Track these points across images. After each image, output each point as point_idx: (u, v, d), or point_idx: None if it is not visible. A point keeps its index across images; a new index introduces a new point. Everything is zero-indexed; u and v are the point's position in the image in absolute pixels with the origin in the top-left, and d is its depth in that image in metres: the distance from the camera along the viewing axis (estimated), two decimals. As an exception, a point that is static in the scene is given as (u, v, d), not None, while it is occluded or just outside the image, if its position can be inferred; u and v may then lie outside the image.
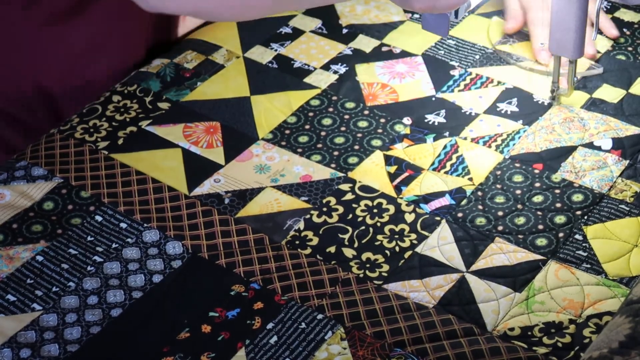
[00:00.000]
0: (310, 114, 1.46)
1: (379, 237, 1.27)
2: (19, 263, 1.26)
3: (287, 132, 1.43)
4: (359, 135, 1.42)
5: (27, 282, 1.23)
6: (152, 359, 1.15)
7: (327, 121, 1.45)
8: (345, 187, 1.34)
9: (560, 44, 1.39)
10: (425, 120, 1.44)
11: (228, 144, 1.41)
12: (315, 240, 1.27)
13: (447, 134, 1.41)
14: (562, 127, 1.41)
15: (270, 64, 1.55)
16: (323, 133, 1.42)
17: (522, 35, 1.57)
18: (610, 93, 1.47)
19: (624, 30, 1.58)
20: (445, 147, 1.39)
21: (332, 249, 1.26)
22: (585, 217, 1.28)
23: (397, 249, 1.26)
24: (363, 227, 1.29)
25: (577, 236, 1.26)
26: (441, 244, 1.26)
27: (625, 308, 1.08)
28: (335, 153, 1.39)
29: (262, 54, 1.56)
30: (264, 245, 1.27)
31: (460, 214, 1.29)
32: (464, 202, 1.31)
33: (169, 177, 1.37)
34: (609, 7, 1.62)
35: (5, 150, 1.51)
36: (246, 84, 1.51)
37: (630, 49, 1.54)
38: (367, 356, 1.13)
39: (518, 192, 1.32)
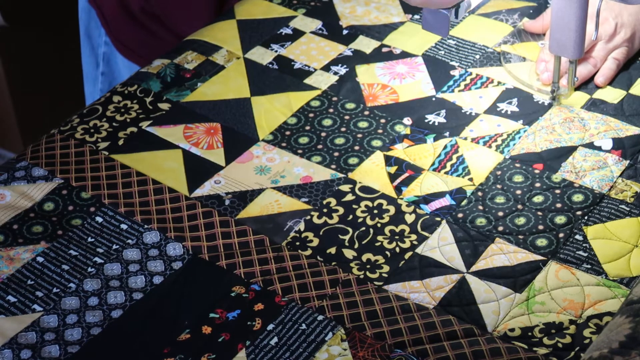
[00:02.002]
0: (311, 114, 1.46)
1: (379, 238, 1.27)
2: (20, 264, 1.26)
3: (288, 133, 1.43)
4: (359, 135, 1.42)
5: (28, 283, 1.24)
6: (152, 360, 1.15)
7: (327, 122, 1.45)
8: (345, 188, 1.34)
9: (560, 44, 1.39)
10: (426, 121, 1.44)
11: (228, 145, 1.41)
12: (315, 242, 1.27)
13: (447, 134, 1.41)
14: (563, 127, 1.41)
15: (270, 65, 1.55)
16: (323, 134, 1.42)
17: (523, 35, 1.57)
18: (610, 93, 1.47)
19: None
20: (445, 147, 1.39)
21: (333, 250, 1.26)
22: (586, 218, 1.28)
23: (397, 249, 1.26)
24: (363, 228, 1.29)
25: (577, 236, 1.26)
26: (441, 245, 1.26)
27: (625, 308, 1.08)
28: (336, 154, 1.39)
29: (262, 55, 1.56)
30: (265, 246, 1.27)
31: (460, 215, 1.29)
32: (464, 202, 1.31)
33: (170, 178, 1.37)
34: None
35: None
36: (246, 85, 1.51)
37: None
38: (368, 357, 1.13)
39: (518, 192, 1.32)
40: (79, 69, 1.98)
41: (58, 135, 1.43)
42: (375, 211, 1.31)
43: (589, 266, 1.22)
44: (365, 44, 1.58)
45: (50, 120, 1.87)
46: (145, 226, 1.30)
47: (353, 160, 1.38)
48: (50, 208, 1.33)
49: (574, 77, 1.44)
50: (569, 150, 1.37)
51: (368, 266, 1.24)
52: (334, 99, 1.48)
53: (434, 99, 1.47)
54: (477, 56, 1.54)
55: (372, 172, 1.36)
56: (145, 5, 1.77)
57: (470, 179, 1.34)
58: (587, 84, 1.49)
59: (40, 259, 1.26)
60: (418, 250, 1.26)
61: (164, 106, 1.48)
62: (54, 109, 2.46)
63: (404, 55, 1.55)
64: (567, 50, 1.39)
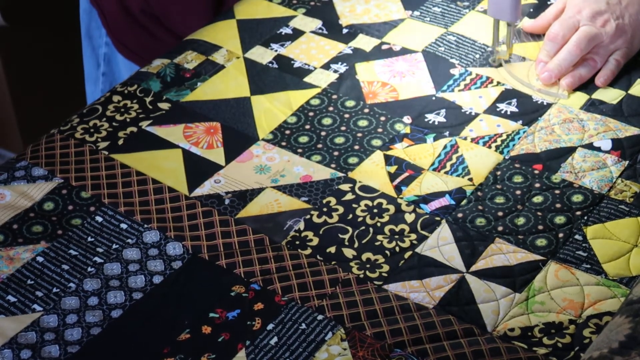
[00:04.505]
0: (311, 113, 1.46)
1: (379, 237, 1.27)
2: (20, 264, 1.26)
3: (287, 132, 1.43)
4: (359, 135, 1.42)
5: (28, 283, 1.24)
6: (152, 360, 1.15)
7: (327, 121, 1.45)
8: (345, 187, 1.34)
9: (498, 8, 1.47)
10: (425, 120, 1.44)
11: (228, 144, 1.41)
12: (315, 241, 1.27)
13: (447, 133, 1.41)
14: (562, 128, 1.41)
15: (270, 64, 1.55)
16: (323, 133, 1.42)
17: (523, 35, 1.57)
18: (609, 94, 1.47)
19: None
20: (445, 147, 1.39)
21: (332, 249, 1.26)
22: (585, 218, 1.28)
23: (397, 249, 1.26)
24: (363, 228, 1.29)
25: (577, 236, 1.26)
26: (441, 245, 1.26)
27: (625, 308, 1.08)
28: (336, 153, 1.39)
29: (262, 55, 1.56)
30: (264, 245, 1.27)
31: (460, 215, 1.30)
32: (463, 202, 1.31)
33: (170, 177, 1.37)
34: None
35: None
36: (246, 84, 1.51)
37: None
38: (368, 357, 1.13)
39: (518, 192, 1.32)
40: (79, 68, 1.98)
41: (58, 135, 1.43)
42: (375, 210, 1.31)
43: (588, 266, 1.22)
44: (365, 42, 1.58)
45: (50, 120, 1.87)
46: (145, 226, 1.30)
47: (353, 160, 1.38)
48: (50, 208, 1.33)
49: (512, 39, 1.50)
50: (568, 151, 1.37)
51: (368, 265, 1.24)
52: (334, 96, 1.48)
53: (433, 98, 1.47)
54: (477, 55, 1.54)
55: (372, 171, 1.36)
56: (145, 6, 1.78)
57: (470, 179, 1.34)
58: (586, 85, 1.48)
59: (40, 259, 1.26)
60: (418, 249, 1.26)
61: (164, 106, 1.48)
62: (54, 109, 2.45)
63: (404, 51, 1.55)
64: (505, 13, 1.47)
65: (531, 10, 1.62)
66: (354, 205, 1.32)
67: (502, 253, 1.24)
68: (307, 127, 1.44)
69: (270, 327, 1.17)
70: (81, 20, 1.89)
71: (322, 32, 1.60)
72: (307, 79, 1.52)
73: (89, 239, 1.29)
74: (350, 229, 1.29)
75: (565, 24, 1.49)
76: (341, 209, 1.31)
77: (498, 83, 1.49)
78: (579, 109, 1.44)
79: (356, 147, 1.40)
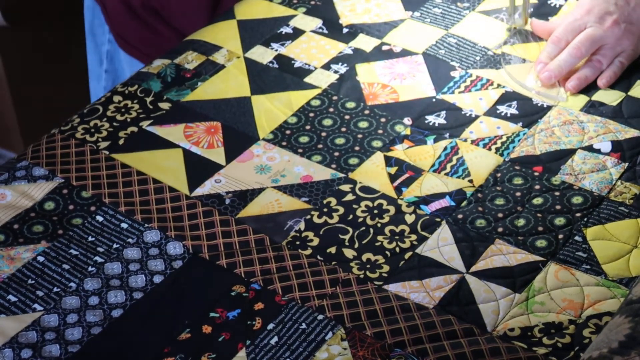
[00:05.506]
0: (311, 114, 1.46)
1: (379, 237, 1.28)
2: (20, 263, 1.26)
3: (288, 132, 1.43)
4: (360, 136, 1.42)
5: (28, 282, 1.24)
6: (153, 360, 1.15)
7: (327, 122, 1.45)
8: (345, 187, 1.34)
9: None
10: (426, 121, 1.44)
11: (229, 144, 1.41)
12: (315, 241, 1.28)
13: (447, 135, 1.41)
14: (562, 130, 1.41)
15: (270, 64, 1.55)
16: (323, 134, 1.43)
17: (523, 36, 1.57)
18: (609, 96, 1.47)
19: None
20: (445, 148, 1.39)
21: (333, 250, 1.26)
22: (585, 219, 1.28)
23: (397, 249, 1.26)
24: (363, 228, 1.29)
25: (576, 238, 1.26)
26: (441, 245, 1.26)
27: (625, 308, 1.08)
28: (336, 154, 1.39)
29: (262, 54, 1.56)
30: (265, 245, 1.27)
31: (460, 216, 1.30)
32: (464, 203, 1.31)
33: (170, 177, 1.37)
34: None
35: None
36: (247, 84, 1.51)
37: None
38: (368, 356, 1.14)
39: (518, 194, 1.32)
40: (79, 68, 1.98)
41: (59, 135, 1.44)
42: (376, 211, 1.31)
43: (588, 267, 1.23)
44: (366, 42, 1.58)
45: (50, 120, 1.87)
46: (146, 225, 1.30)
47: (353, 161, 1.38)
48: (51, 207, 1.33)
49: (527, 7, 1.52)
50: (568, 153, 1.37)
51: (368, 266, 1.24)
52: (334, 98, 1.48)
53: (434, 99, 1.48)
54: (478, 57, 1.54)
55: (372, 172, 1.36)
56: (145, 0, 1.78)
57: (470, 181, 1.35)
58: (586, 86, 1.48)
59: (40, 259, 1.26)
60: (418, 250, 1.26)
61: (164, 106, 1.48)
62: (55, 109, 2.45)
63: (404, 53, 1.56)
64: None
65: (531, 9, 1.62)
66: (355, 206, 1.32)
67: (502, 254, 1.24)
68: (308, 127, 1.44)
69: (270, 326, 1.17)
70: (85, 17, 1.90)
71: (323, 32, 1.60)
72: (307, 79, 1.52)
73: (90, 238, 1.29)
74: (350, 229, 1.29)
75: (570, 27, 1.49)
76: (341, 210, 1.32)
77: (498, 85, 1.49)
78: (579, 110, 1.45)
79: (356, 148, 1.40)
